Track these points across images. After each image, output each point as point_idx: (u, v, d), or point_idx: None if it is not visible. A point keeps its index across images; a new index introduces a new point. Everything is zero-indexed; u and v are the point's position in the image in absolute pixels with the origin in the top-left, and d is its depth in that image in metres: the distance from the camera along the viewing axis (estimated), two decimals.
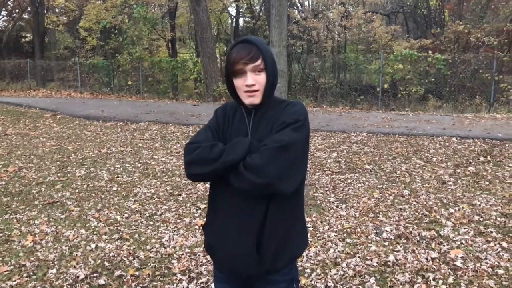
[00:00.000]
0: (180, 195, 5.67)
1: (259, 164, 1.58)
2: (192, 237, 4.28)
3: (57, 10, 27.62)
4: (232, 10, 26.94)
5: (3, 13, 39.78)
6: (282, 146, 1.60)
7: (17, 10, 37.25)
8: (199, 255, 3.89)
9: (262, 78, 1.69)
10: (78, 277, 3.48)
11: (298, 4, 23.45)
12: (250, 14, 24.35)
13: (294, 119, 1.67)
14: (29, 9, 33.28)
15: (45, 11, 26.80)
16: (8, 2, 38.04)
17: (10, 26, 38.00)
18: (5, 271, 3.57)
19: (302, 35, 17.76)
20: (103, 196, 5.65)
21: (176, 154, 7.97)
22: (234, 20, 26.15)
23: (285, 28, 5.72)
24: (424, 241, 4.05)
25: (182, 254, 3.89)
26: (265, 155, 1.59)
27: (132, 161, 7.45)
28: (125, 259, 3.81)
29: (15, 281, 3.41)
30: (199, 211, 5.04)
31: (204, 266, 3.66)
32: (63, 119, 12.49)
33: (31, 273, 3.54)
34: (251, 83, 1.67)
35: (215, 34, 24.67)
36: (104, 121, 11.76)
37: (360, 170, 6.67)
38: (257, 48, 1.69)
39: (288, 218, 1.75)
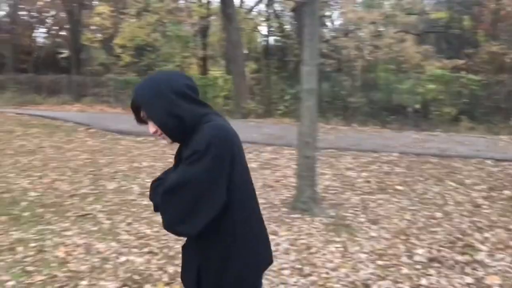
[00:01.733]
0: None
1: (160, 209, 1.61)
2: None
3: (93, 27, 28.52)
4: (263, 29, 27.25)
5: (42, 30, 41.40)
6: (171, 190, 1.56)
7: (55, 28, 38.69)
8: None
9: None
10: None
11: (329, 23, 23.56)
12: (280, 33, 24.56)
13: (192, 151, 1.57)
14: (66, 26, 34.52)
15: (82, 29, 27.69)
16: (47, 20, 39.59)
17: (48, 42, 39.45)
18: (38, 281, 3.64)
19: (332, 53, 17.79)
20: (134, 209, 5.73)
21: None
22: (265, 39, 26.41)
23: (317, 47, 5.75)
24: (458, 266, 3.94)
25: None
26: (161, 200, 1.59)
27: (162, 176, 7.52)
28: (155, 273, 3.84)
29: None
30: None
31: None
32: (96, 133, 12.77)
33: (63, 284, 3.60)
34: (153, 131, 1.71)
35: (246, 52, 24.92)
36: (136, 136, 11.97)
37: (391, 190, 6.56)
38: (134, 100, 1.68)
39: (219, 251, 1.67)
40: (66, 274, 3.79)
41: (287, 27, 24.59)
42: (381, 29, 19.78)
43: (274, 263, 4.06)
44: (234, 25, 15.90)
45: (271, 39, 25.31)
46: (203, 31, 23.95)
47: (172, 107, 1.63)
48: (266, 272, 3.85)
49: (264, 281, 3.69)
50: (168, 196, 1.58)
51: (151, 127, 1.69)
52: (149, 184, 5.74)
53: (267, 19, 25.19)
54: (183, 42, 19.11)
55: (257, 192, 5.84)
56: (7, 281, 3.62)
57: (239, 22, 17.24)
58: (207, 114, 1.70)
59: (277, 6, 24.55)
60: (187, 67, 22.19)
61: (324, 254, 4.29)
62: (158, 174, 6.32)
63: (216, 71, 27.08)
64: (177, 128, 1.66)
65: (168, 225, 1.58)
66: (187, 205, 1.55)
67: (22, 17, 37.14)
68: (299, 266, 4.01)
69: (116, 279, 3.70)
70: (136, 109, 1.70)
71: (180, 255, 4.08)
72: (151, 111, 1.65)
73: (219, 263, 1.67)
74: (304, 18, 5.66)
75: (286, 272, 3.90)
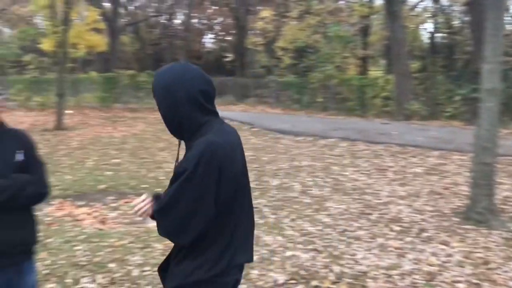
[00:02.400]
0: (372, 214, 5.56)
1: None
2: (387, 258, 4.14)
3: (256, 31, 30.09)
4: (428, 26, 25.68)
5: (211, 36, 45.10)
6: (162, 210, 1.68)
7: (222, 33, 41.82)
8: (395, 277, 3.73)
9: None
10: (277, 281, 3.65)
11: (509, 17, 21.15)
12: (448, 30, 22.86)
13: (183, 168, 1.64)
14: (232, 31, 37.04)
15: (246, 33, 29.41)
16: (215, 26, 42.99)
17: (215, 47, 42.82)
18: None
19: (510, 50, 15.93)
20: (296, 206, 5.87)
21: (366, 172, 7.86)
22: (430, 36, 24.85)
23: (501, 43, 5.20)
24: None
25: (378, 275, 3.79)
26: (156, 216, 1.73)
27: (322, 176, 7.59)
28: (321, 270, 3.87)
29: None
30: (393, 233, 4.85)
31: None
32: (259, 132, 13.42)
33: None
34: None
35: (409, 50, 23.76)
36: (295, 135, 12.27)
37: None
38: (152, 85, 1.77)
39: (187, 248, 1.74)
40: None
41: (455, 22, 22.79)
42: None
43: (446, 274, 3.79)
44: (399, 22, 15.29)
45: (437, 36, 23.70)
46: (364, 31, 23.52)
47: (175, 108, 1.71)
48: (438, 282, 3.61)
49: None
50: (160, 216, 1.71)
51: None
52: (309, 183, 5.83)
53: (433, 15, 23.66)
54: (343, 42, 19.03)
55: (424, 199, 5.51)
56: None
57: (403, 19, 16.51)
58: (207, 122, 1.73)
59: (444, 1, 22.92)
60: (346, 67, 22.03)
61: (505, 271, 3.86)
62: (317, 173, 6.40)
63: (375, 71, 26.41)
64: (174, 126, 1.76)
65: (164, 235, 1.74)
66: (178, 221, 1.67)
67: (194, 25, 40.97)
68: (476, 281, 3.67)
69: (284, 272, 3.82)
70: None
71: (345, 255, 4.03)
72: (158, 102, 1.75)
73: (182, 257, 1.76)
74: (487, 11, 5.15)
75: (461, 285, 3.61)
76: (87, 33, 20.20)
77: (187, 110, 1.71)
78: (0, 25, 39.84)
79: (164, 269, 1.89)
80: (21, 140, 2.18)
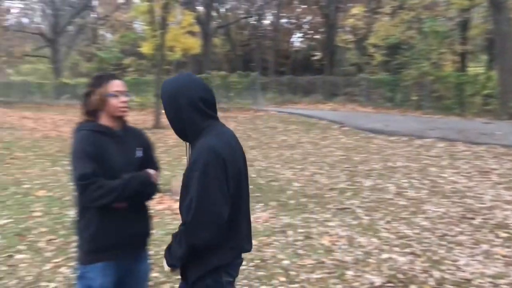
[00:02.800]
0: (474, 218, 5.22)
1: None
2: (493, 266, 3.86)
3: (346, 29, 29.56)
4: None
5: (299, 35, 45.08)
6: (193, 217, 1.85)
7: (310, 32, 41.62)
8: (503, 287, 3.48)
9: None
10: (373, 283, 3.56)
11: None
12: None
13: (192, 171, 1.84)
14: (321, 30, 36.70)
15: (336, 31, 28.99)
16: (303, 25, 42.91)
17: (303, 46, 42.73)
18: (308, 264, 3.95)
19: None
20: (391, 208, 5.68)
21: (466, 175, 7.40)
22: None
23: None
24: None
25: (483, 283, 3.55)
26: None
27: (418, 177, 7.27)
28: (419, 275, 3.71)
29: (318, 275, 3.73)
30: (499, 240, 4.52)
31: None
32: (349, 131, 13.18)
33: (331, 271, 3.81)
34: None
35: None
36: (388, 135, 11.89)
37: None
38: (160, 93, 2.00)
39: None
40: (333, 262, 4.00)
41: None
42: None
43: None
44: (504, 14, 14.18)
45: None
46: (463, 25, 22.14)
47: (180, 113, 1.90)
48: None
49: None
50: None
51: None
52: (405, 185, 5.62)
53: None
54: (440, 37, 18.04)
55: None
56: (282, 259, 4.03)
57: (509, 11, 15.28)
58: (208, 126, 1.92)
59: None
60: (443, 64, 20.90)
61: None
62: (413, 174, 6.16)
63: (475, 67, 24.79)
64: (179, 130, 1.94)
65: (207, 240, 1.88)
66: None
67: (282, 24, 41.20)
68: None
69: (380, 274, 3.71)
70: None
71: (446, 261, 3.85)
72: (165, 107, 1.93)
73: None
74: None
75: None
76: (183, 36, 21.10)
77: (190, 115, 1.90)
78: (103, 31, 43.07)
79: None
80: (140, 138, 2.34)
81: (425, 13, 19.25)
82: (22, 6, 34.30)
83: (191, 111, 1.90)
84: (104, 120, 2.23)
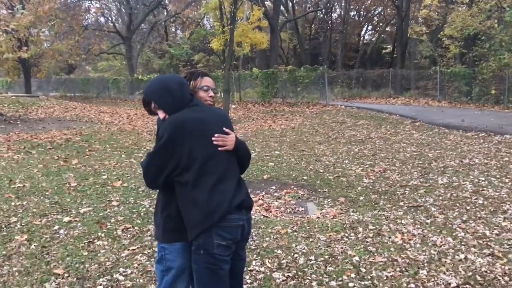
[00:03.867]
0: None
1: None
2: None
3: (420, 20, 28.42)
4: None
5: (369, 27, 43.97)
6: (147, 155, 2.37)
7: (381, 24, 40.44)
8: None
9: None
10: (449, 284, 3.41)
11: None
12: None
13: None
14: (392, 22, 35.53)
15: (409, 22, 27.96)
16: (374, 18, 41.77)
17: (374, 39, 41.61)
18: (380, 261, 3.85)
19: None
20: (468, 207, 5.41)
21: None
22: None
23: None
24: None
25: None
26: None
27: (498, 175, 6.86)
28: (500, 278, 3.51)
29: (389, 272, 3.64)
30: None
31: None
32: (422, 126, 12.70)
33: (403, 269, 3.70)
34: (162, 116, 2.36)
35: None
36: (465, 130, 11.32)
37: None
38: (145, 97, 2.43)
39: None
40: (405, 260, 3.88)
41: None
42: None
43: None
44: None
45: None
46: None
47: (174, 99, 2.30)
48: None
49: None
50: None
51: (161, 114, 2.33)
52: (483, 183, 5.37)
53: None
54: None
55: None
56: (353, 256, 3.97)
57: None
58: (189, 103, 2.34)
59: None
60: None
61: None
62: (492, 172, 5.86)
63: None
64: (172, 110, 2.30)
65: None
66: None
67: (352, 17, 40.36)
68: None
69: (457, 275, 3.55)
70: (146, 104, 2.43)
71: None
72: (160, 102, 2.32)
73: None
74: None
75: None
76: (251, 32, 21.29)
77: (180, 96, 2.32)
78: (174, 28, 44.40)
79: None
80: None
81: (506, 1, 18.04)
82: (99, 5, 36.13)
83: (182, 94, 2.33)
84: None
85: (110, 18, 39.80)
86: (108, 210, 5.42)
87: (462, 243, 4.26)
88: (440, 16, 23.46)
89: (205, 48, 35.94)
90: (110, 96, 30.94)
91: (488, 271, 3.64)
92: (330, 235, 4.49)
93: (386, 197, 6.02)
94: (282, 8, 33.63)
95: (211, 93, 2.53)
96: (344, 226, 4.81)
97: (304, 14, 38.33)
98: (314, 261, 3.87)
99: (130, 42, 33.41)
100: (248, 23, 21.11)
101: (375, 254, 4.03)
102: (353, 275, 3.59)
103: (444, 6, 23.36)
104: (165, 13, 38.14)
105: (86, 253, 4.11)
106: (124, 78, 31.11)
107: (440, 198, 5.85)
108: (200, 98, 2.48)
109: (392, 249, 4.15)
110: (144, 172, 2.30)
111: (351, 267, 3.74)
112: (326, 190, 6.51)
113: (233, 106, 20.09)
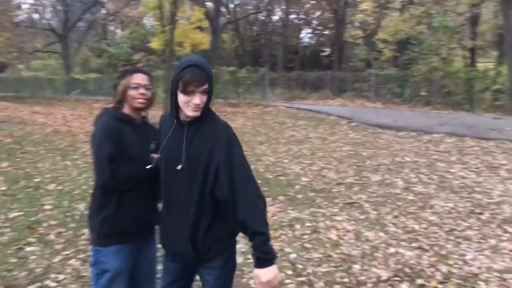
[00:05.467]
0: (482, 213, 5.21)
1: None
2: (501, 261, 3.87)
3: (356, 24, 29.40)
4: None
5: (308, 30, 44.94)
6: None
7: (319, 27, 41.46)
8: (510, 282, 3.48)
9: (205, 98, 1.98)
10: (380, 277, 3.58)
11: None
12: None
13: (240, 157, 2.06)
14: (330, 25, 36.54)
15: (345, 26, 28.86)
16: (313, 21, 42.74)
17: (312, 42, 42.59)
18: (315, 258, 3.98)
19: None
20: (399, 203, 5.69)
21: (475, 170, 7.37)
22: None
23: None
24: None
25: (490, 277, 3.56)
26: None
27: (427, 172, 7.26)
28: (427, 269, 3.72)
29: (325, 268, 3.76)
30: (507, 235, 4.52)
31: None
32: (358, 126, 13.15)
33: (338, 265, 3.84)
34: (198, 103, 1.95)
35: None
36: (397, 130, 11.85)
37: None
38: (206, 74, 1.96)
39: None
40: (340, 256, 4.03)
41: None
42: None
43: None
44: None
45: None
46: (473, 20, 21.94)
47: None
48: None
49: None
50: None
51: (198, 99, 1.96)
52: (413, 180, 5.65)
53: None
54: (450, 33, 17.90)
55: None
56: (290, 253, 4.07)
57: None
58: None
59: None
60: (452, 59, 20.76)
61: None
62: (422, 170, 6.18)
63: (485, 63, 24.57)
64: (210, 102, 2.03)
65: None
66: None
67: (292, 20, 41.09)
68: None
69: (387, 269, 3.73)
70: (204, 82, 1.97)
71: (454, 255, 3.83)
72: (212, 84, 2.02)
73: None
74: None
75: None
76: (192, 32, 21.13)
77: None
78: (113, 27, 43.23)
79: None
80: (155, 132, 2.40)
81: (435, 8, 19.10)
82: (32, 2, 34.51)
83: None
84: (127, 110, 2.36)
85: (44, 16, 38.09)
86: (40, 215, 5.21)
87: (393, 238, 4.48)
88: (374, 20, 24.39)
89: (145, 48, 35.23)
90: (45, 96, 29.63)
91: (416, 263, 3.85)
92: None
93: (323, 195, 6.19)
94: (224, 9, 33.66)
95: (142, 91, 2.32)
96: (282, 224, 4.91)
97: (245, 16, 38.57)
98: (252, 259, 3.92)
99: (66, 40, 32.16)
100: (189, 23, 20.96)
101: (311, 250, 4.16)
102: (290, 272, 3.68)
103: (378, 11, 24.32)
104: (104, 11, 37.03)
105: (15, 260, 3.93)
106: (60, 78, 29.88)
107: (374, 195, 6.10)
108: (131, 97, 2.31)
109: (327, 245, 4.29)
110: None
111: (288, 264, 3.83)
112: (266, 189, 6.59)
113: None
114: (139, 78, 2.34)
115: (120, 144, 2.23)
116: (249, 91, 22.18)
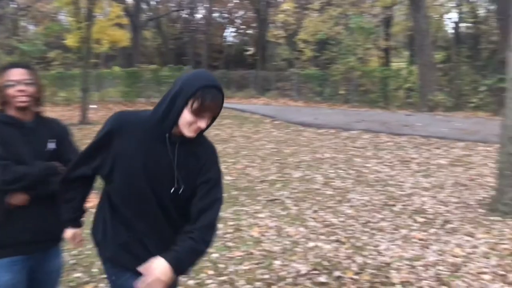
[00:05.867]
0: (395, 205, 5.51)
1: None
2: (410, 249, 4.11)
3: (278, 24, 29.95)
4: (452, 16, 25.20)
5: (232, 29, 45.14)
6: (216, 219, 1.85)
7: (243, 27, 41.79)
8: (419, 268, 3.71)
9: (209, 121, 1.78)
10: (299, 271, 3.67)
11: None
12: (473, 19, 22.39)
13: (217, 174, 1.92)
14: (253, 25, 36.95)
15: (268, 26, 29.32)
16: (236, 20, 42.99)
17: (236, 41, 42.83)
18: (237, 256, 3.99)
19: None
20: (319, 198, 5.86)
21: (389, 164, 7.79)
22: (455, 26, 24.38)
23: None
24: None
25: (401, 265, 3.77)
26: None
27: (344, 168, 7.55)
28: (343, 261, 3.87)
29: (246, 266, 3.78)
30: (416, 224, 4.81)
31: (425, 282, 3.47)
32: (280, 124, 13.40)
33: (259, 261, 3.88)
34: (203, 127, 1.75)
35: (433, 41, 23.36)
36: (318, 128, 12.22)
37: None
38: (223, 100, 1.77)
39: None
40: (261, 252, 4.07)
41: (481, 12, 22.31)
42: None
43: (472, 265, 3.75)
44: (422, 12, 15.04)
45: (462, 26, 23.25)
46: (387, 21, 23.18)
47: None
48: (463, 274, 3.57)
49: (460, 283, 3.42)
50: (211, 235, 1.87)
51: (204, 123, 1.75)
52: (332, 175, 5.82)
53: (458, 5, 23.19)
54: (365, 33, 18.82)
55: (448, 190, 5.47)
56: (212, 253, 4.04)
57: (427, 9, 16.24)
58: None
59: None
60: (369, 59, 21.83)
61: None
62: (340, 165, 6.37)
63: (398, 62, 26.06)
64: None
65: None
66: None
67: (215, 19, 41.04)
68: (502, 272, 3.61)
69: (307, 263, 3.83)
70: (221, 109, 1.79)
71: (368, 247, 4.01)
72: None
73: None
74: None
75: (486, 276, 3.56)
76: (110, 29, 20.43)
77: None
78: (25, 22, 40.65)
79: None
80: (55, 130, 2.24)
81: (351, 9, 19.96)
82: None
83: None
84: (12, 112, 2.14)
85: None
86: None
87: (313, 232, 4.61)
88: (295, 21, 25.00)
89: (61, 45, 33.53)
90: None
91: (333, 256, 3.98)
92: None
93: (246, 192, 6.23)
94: (145, 5, 32.85)
95: (20, 87, 2.07)
96: None
97: (167, 13, 37.92)
98: None
99: None
100: (107, 19, 20.24)
101: (233, 249, 4.16)
102: (211, 272, 3.66)
103: (299, 11, 24.96)
104: (14, 6, 34.70)
105: None
106: None
107: (295, 191, 6.24)
108: (11, 96, 2.08)
109: (249, 242, 4.32)
110: None
111: (210, 264, 3.81)
112: None
113: (93, 106, 19.08)
114: (15, 74, 2.09)
115: (5, 151, 2.03)
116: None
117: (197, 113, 1.71)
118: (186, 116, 1.72)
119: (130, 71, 21.34)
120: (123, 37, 21.89)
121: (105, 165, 1.81)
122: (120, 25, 22.49)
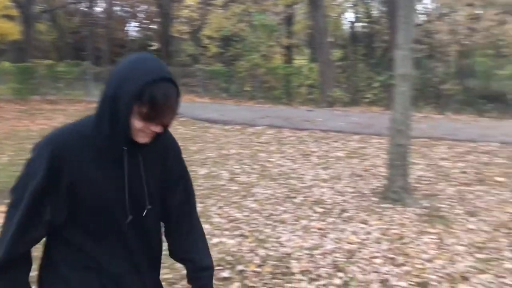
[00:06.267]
0: (296, 197, 5.72)
1: None
2: (310, 239, 4.29)
3: (181, 20, 29.57)
4: (349, 16, 26.63)
5: (135, 24, 43.77)
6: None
7: (146, 21, 40.71)
8: (317, 257, 3.88)
9: None
10: None
11: (420, 7, 22.41)
12: (367, 19, 23.84)
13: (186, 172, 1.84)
14: (156, 19, 36.15)
15: (171, 21, 28.83)
16: (138, 14, 41.76)
17: (140, 36, 41.62)
18: None
19: (423, 38, 16.95)
20: (224, 194, 5.90)
21: (291, 158, 8.05)
22: (351, 25, 25.78)
23: (412, 30, 5.53)
24: None
25: (301, 255, 3.92)
26: None
27: (250, 163, 7.68)
28: (246, 255, 3.93)
29: None
30: (316, 215, 5.03)
31: (323, 269, 3.65)
32: (187, 121, 13.26)
33: (162, 262, 3.79)
34: (161, 131, 1.39)
35: (331, 40, 24.50)
36: (224, 124, 12.29)
37: (490, 182, 6.16)
38: (179, 92, 1.39)
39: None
40: (165, 252, 3.99)
41: (374, 12, 23.81)
42: (479, 11, 18.48)
43: (365, 251, 4.00)
44: (321, 12, 15.71)
45: (358, 26, 24.64)
46: (288, 20, 23.88)
47: None
48: (357, 259, 3.81)
49: (354, 268, 3.64)
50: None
51: (160, 128, 1.38)
52: (237, 171, 5.86)
53: (354, 5, 24.53)
54: (268, 31, 19.26)
55: (345, 181, 5.80)
56: None
57: (325, 9, 16.99)
58: None
59: None
60: (272, 56, 22.36)
61: (418, 245, 4.14)
62: (245, 160, 6.45)
63: (300, 60, 26.97)
64: None
65: None
66: None
67: (116, 12, 39.53)
68: (392, 256, 3.91)
69: None
70: (178, 106, 1.41)
71: (271, 239, 4.13)
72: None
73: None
74: (399, 1, 5.44)
75: (378, 260, 3.82)
76: None
77: None
78: None
79: None
80: None
81: (254, 7, 20.30)
82: None
83: None
84: None
85: None
86: None
87: (217, 228, 4.63)
88: (200, 16, 24.86)
89: None
90: None
91: (237, 250, 4.04)
92: None
93: None
94: None
95: None
96: None
97: (63, 6, 35.78)
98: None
99: None
100: None
101: None
102: None
103: (203, 7, 24.84)
104: None
105: None
106: None
107: (200, 188, 6.21)
108: None
109: None
110: None
111: None
112: None
113: None
114: None
115: None
116: (71, 86, 20.72)
117: (148, 119, 1.33)
118: (135, 124, 1.33)
119: (22, 67, 19.83)
120: (13, 29, 20.32)
121: (60, 210, 1.39)
122: (9, 17, 20.81)
